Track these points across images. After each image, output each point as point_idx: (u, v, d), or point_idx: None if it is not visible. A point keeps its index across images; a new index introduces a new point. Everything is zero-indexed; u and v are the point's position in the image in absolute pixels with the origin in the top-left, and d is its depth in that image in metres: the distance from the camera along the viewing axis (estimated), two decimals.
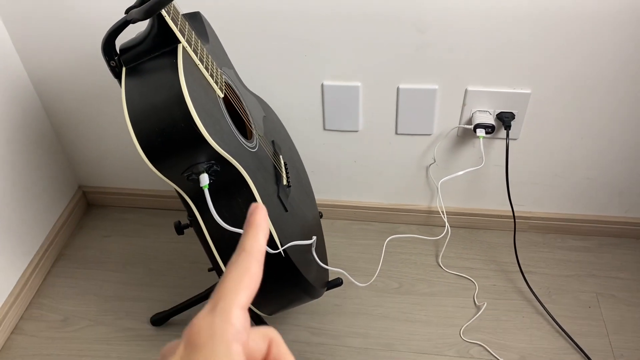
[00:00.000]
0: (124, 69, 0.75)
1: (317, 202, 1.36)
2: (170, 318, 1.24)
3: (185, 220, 0.95)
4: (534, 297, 1.25)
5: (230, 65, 1.02)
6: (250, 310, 0.97)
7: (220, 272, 1.00)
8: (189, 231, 0.97)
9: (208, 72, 0.79)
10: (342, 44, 1.13)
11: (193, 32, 0.81)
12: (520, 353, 1.16)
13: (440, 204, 1.38)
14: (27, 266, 1.32)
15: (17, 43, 1.23)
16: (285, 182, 0.98)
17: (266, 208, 0.85)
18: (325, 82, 1.20)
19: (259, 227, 0.32)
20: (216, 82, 0.81)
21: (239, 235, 0.81)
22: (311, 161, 1.36)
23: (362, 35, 1.11)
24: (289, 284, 0.91)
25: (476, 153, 1.28)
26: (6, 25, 1.20)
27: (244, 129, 0.93)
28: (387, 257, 1.37)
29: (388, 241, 1.40)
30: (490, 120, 1.19)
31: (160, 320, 1.24)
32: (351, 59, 1.15)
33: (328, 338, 1.21)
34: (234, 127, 0.82)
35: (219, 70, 0.86)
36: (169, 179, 0.76)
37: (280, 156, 1.03)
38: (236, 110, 0.90)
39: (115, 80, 0.77)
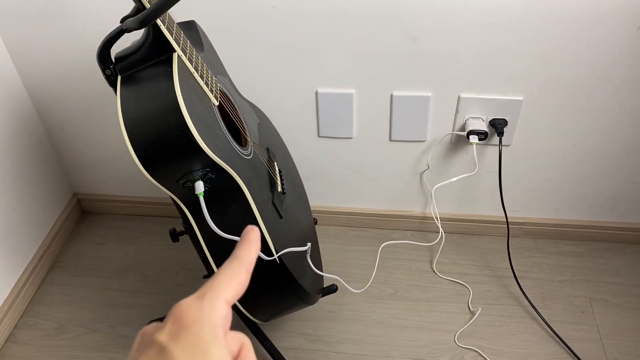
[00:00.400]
0: (119, 78, 0.75)
1: (311, 208, 1.37)
2: None
3: (180, 228, 0.96)
4: (527, 302, 1.26)
5: (225, 74, 1.02)
6: (245, 317, 0.98)
7: None
8: (184, 238, 0.98)
9: (203, 80, 0.80)
10: (336, 51, 1.14)
11: (188, 41, 0.82)
12: (514, 358, 1.17)
13: (434, 210, 1.39)
14: (21, 274, 1.32)
15: (12, 51, 1.23)
16: (280, 189, 0.98)
17: (261, 215, 0.86)
18: (320, 90, 1.21)
19: (253, 242, 0.35)
20: (211, 90, 0.81)
21: (234, 242, 0.81)
22: (306, 168, 1.36)
23: (356, 42, 1.12)
24: (283, 291, 0.92)
25: (469, 159, 1.29)
26: (0, 33, 1.21)
27: (239, 137, 0.93)
28: (382, 263, 1.38)
29: (382, 247, 1.41)
30: (483, 127, 1.20)
31: None
32: (345, 66, 1.16)
33: (323, 344, 1.21)
34: (228, 134, 0.83)
35: (213, 78, 0.87)
36: (164, 186, 0.76)
37: (275, 163, 1.04)
38: (231, 118, 0.91)
39: (110, 88, 0.77)
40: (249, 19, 1.11)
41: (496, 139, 1.21)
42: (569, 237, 1.41)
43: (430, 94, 1.18)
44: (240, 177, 0.79)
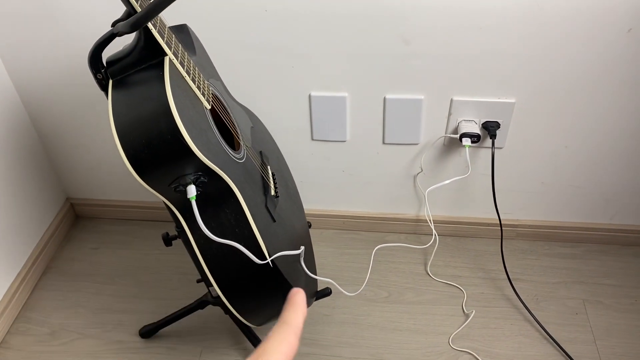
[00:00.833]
0: (110, 82, 0.75)
1: (305, 211, 1.37)
2: (159, 330, 1.24)
3: (173, 232, 0.95)
4: (521, 304, 1.26)
5: (217, 77, 1.02)
6: (239, 321, 0.97)
7: (208, 284, 1.00)
8: (178, 242, 0.97)
9: (195, 84, 0.79)
10: (329, 55, 1.14)
11: (180, 45, 0.82)
12: None
13: (428, 213, 1.39)
14: (14, 279, 1.31)
15: (3, 55, 1.23)
16: (273, 193, 0.98)
17: (253, 218, 0.86)
18: (313, 93, 1.21)
19: (300, 307, 0.38)
20: (203, 94, 0.81)
21: (227, 246, 0.81)
22: (299, 171, 1.36)
23: (348, 46, 1.12)
24: (277, 295, 0.91)
25: (462, 162, 1.29)
26: None
27: (232, 140, 0.93)
28: (376, 266, 1.38)
29: (376, 250, 1.41)
30: (475, 129, 1.20)
31: (149, 332, 1.23)
32: (338, 69, 1.16)
33: (317, 348, 1.21)
34: (221, 138, 0.82)
35: (205, 82, 0.87)
36: (156, 190, 0.76)
37: (268, 167, 1.04)
38: (223, 121, 0.91)
39: (103, 93, 0.77)
40: (241, 23, 1.11)
41: (489, 142, 1.21)
42: (562, 239, 1.42)
43: (423, 97, 1.18)
44: (232, 181, 0.79)
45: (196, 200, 0.76)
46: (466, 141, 1.20)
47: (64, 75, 1.25)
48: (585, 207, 1.36)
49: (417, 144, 1.27)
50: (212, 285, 0.88)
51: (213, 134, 0.80)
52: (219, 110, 0.90)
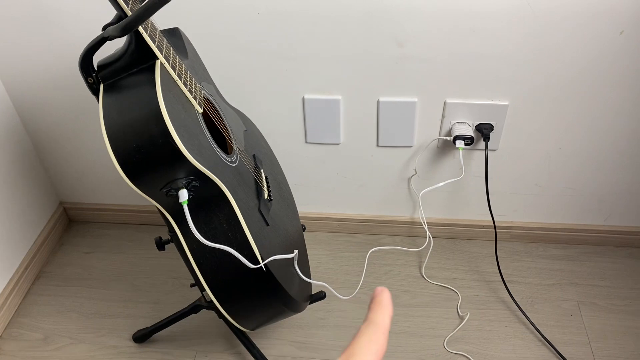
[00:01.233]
0: (101, 86, 0.75)
1: (299, 215, 1.36)
2: (152, 335, 1.23)
3: (166, 236, 0.95)
4: (516, 306, 1.26)
5: (210, 80, 1.02)
6: (233, 325, 0.97)
7: (201, 288, 1.00)
8: (172, 247, 0.97)
9: (187, 88, 0.79)
10: (322, 58, 1.14)
11: (171, 48, 0.81)
12: None
13: (422, 215, 1.39)
14: (6, 284, 1.30)
15: None
16: (266, 196, 0.98)
17: (246, 222, 0.85)
18: (306, 96, 1.21)
19: (387, 306, 0.37)
20: (195, 98, 0.81)
21: (219, 250, 0.81)
22: (293, 174, 1.36)
23: (342, 49, 1.12)
24: (271, 299, 0.91)
25: (456, 164, 1.29)
26: None
27: (225, 144, 0.93)
28: (370, 269, 1.38)
29: (371, 253, 1.41)
30: (469, 131, 1.20)
31: (142, 337, 1.23)
32: (331, 72, 1.16)
33: (312, 352, 1.21)
34: (213, 142, 0.82)
35: (197, 85, 0.86)
36: (147, 195, 0.76)
37: (262, 170, 1.04)
38: (216, 125, 0.90)
39: (95, 97, 0.76)
40: (234, 26, 1.11)
41: (482, 144, 1.21)
42: (556, 240, 1.42)
43: (416, 100, 1.18)
44: (225, 185, 0.79)
45: (188, 205, 0.75)
46: (460, 143, 1.20)
47: (56, 79, 1.24)
48: (579, 208, 1.36)
49: (411, 146, 1.27)
50: (205, 290, 0.87)
51: (205, 138, 0.79)
52: (211, 113, 0.90)
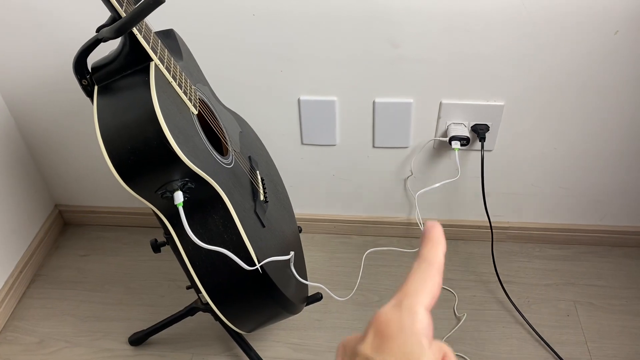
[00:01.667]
0: (96, 88, 0.74)
1: (296, 216, 1.36)
2: (148, 337, 1.23)
3: (162, 238, 0.95)
4: (513, 307, 1.26)
5: (205, 82, 1.02)
6: (229, 327, 0.97)
7: (197, 290, 0.99)
8: (167, 249, 0.97)
9: (181, 90, 0.79)
10: (317, 59, 1.14)
11: (166, 50, 0.81)
12: None
13: (418, 216, 1.39)
14: (1, 287, 1.29)
15: None
16: (262, 198, 0.98)
17: (242, 224, 0.85)
18: (302, 97, 1.21)
19: (439, 242, 0.33)
20: (190, 99, 0.81)
21: (215, 252, 0.81)
22: (289, 176, 1.36)
23: (337, 50, 1.12)
24: (267, 301, 0.91)
25: (452, 165, 1.29)
26: None
27: (220, 146, 0.92)
28: (367, 270, 1.37)
29: (367, 254, 1.40)
30: (465, 132, 1.20)
31: (138, 340, 1.22)
32: (327, 74, 1.16)
33: (309, 354, 1.20)
34: (208, 143, 0.82)
35: (192, 87, 0.86)
36: (142, 197, 0.75)
37: (257, 172, 1.03)
38: (211, 126, 0.90)
39: (89, 99, 0.76)
40: (229, 27, 1.11)
41: (478, 145, 1.21)
42: (553, 240, 1.42)
43: (412, 100, 1.18)
44: (220, 187, 0.79)
45: (183, 207, 0.75)
46: (455, 144, 1.20)
47: (51, 81, 1.24)
48: (575, 208, 1.36)
49: (406, 147, 1.27)
50: (201, 292, 0.87)
51: (200, 140, 0.79)
52: (206, 115, 0.89)
